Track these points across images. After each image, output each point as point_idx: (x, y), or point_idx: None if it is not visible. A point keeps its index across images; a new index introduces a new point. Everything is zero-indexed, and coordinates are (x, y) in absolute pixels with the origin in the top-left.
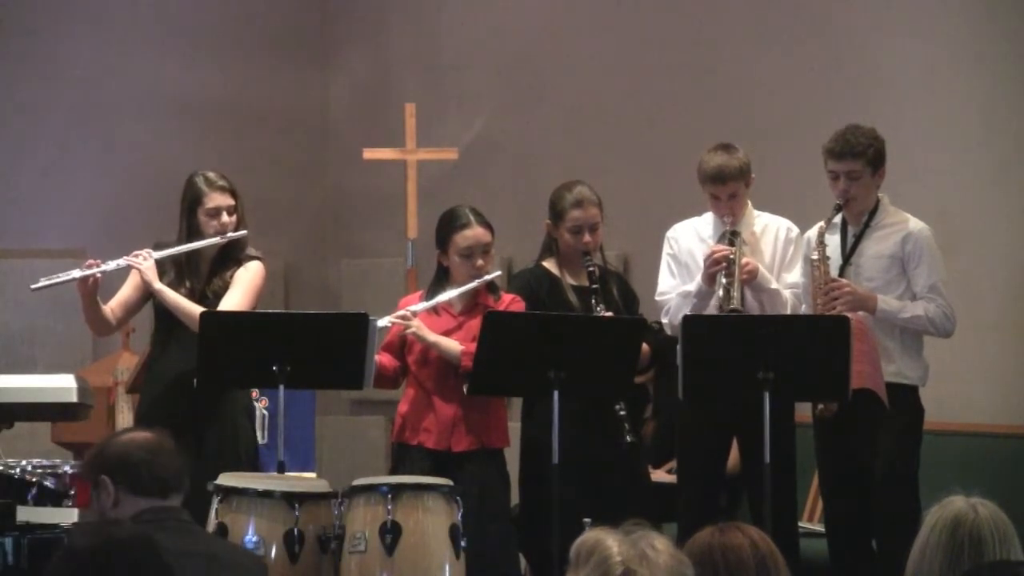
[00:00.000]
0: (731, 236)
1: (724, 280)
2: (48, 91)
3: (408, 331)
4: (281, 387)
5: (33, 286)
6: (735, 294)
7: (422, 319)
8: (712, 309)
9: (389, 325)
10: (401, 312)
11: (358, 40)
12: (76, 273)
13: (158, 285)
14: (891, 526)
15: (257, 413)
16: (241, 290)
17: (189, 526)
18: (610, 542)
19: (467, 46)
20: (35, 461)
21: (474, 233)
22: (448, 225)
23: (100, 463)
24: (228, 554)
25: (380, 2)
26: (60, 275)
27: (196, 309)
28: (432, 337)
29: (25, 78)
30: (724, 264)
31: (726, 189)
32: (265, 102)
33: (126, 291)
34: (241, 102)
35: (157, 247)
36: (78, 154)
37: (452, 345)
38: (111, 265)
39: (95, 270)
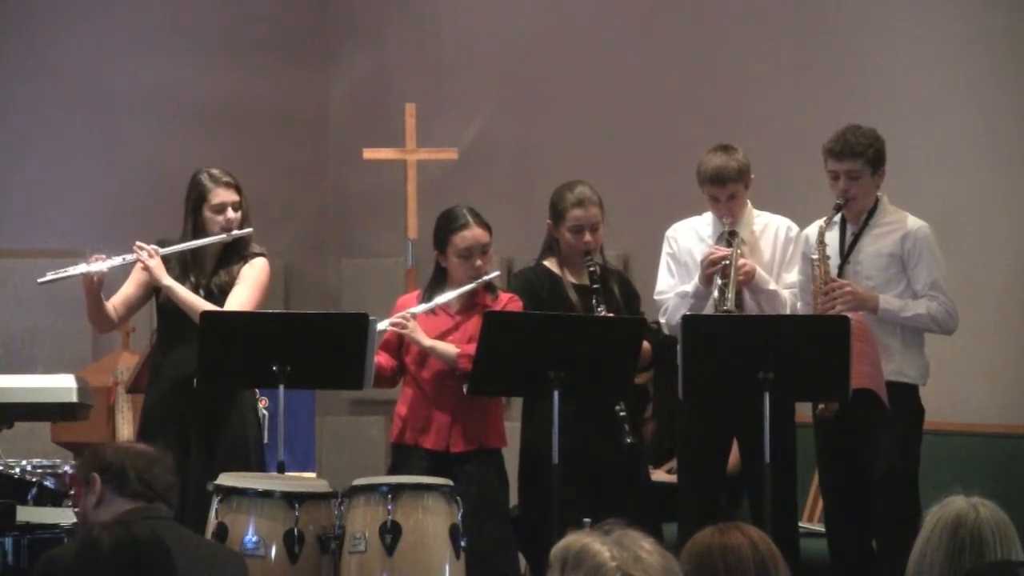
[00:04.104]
0: (730, 236)
1: (720, 281)
2: (48, 91)
3: (403, 331)
4: (281, 387)
5: (40, 279)
6: (730, 295)
7: (419, 320)
8: (709, 310)
9: (386, 329)
10: (399, 315)
11: (358, 40)
12: (83, 268)
13: (167, 281)
14: (891, 526)
15: (258, 413)
16: (248, 287)
17: (168, 523)
18: (598, 546)
19: (467, 46)
20: (35, 461)
21: (472, 234)
22: (446, 226)
23: (93, 462)
24: (210, 551)
25: (380, 2)
26: (67, 269)
27: (206, 306)
28: (427, 341)
29: (25, 78)
30: (721, 265)
31: (725, 190)
32: (265, 102)
33: (129, 288)
34: (241, 102)
35: (161, 244)
36: (78, 154)
37: (448, 349)
38: (117, 261)
39: (101, 264)
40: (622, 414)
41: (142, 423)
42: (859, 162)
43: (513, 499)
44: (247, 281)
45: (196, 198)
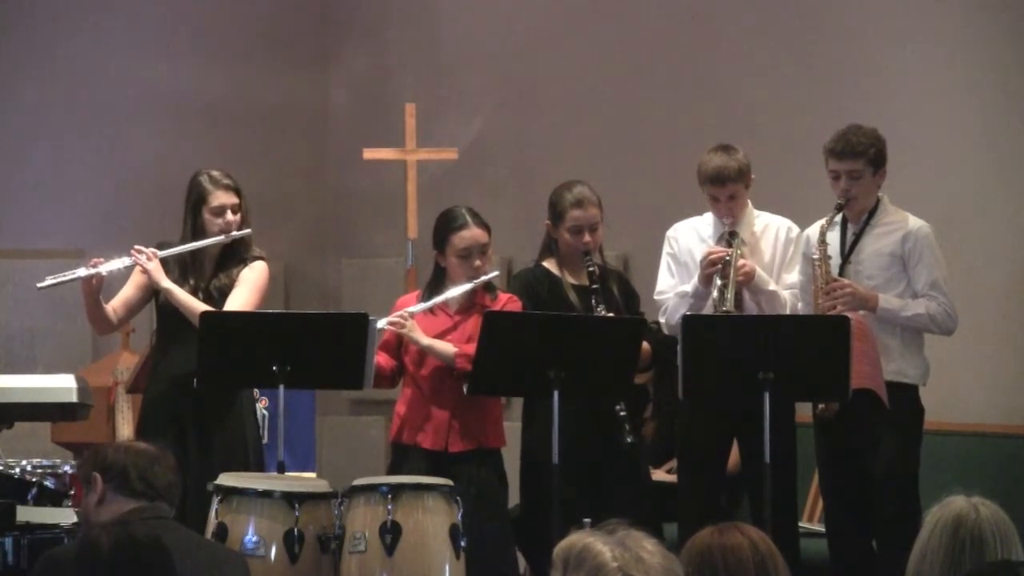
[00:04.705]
0: (730, 237)
1: (719, 281)
2: (48, 91)
3: (402, 331)
4: (281, 387)
5: (39, 284)
6: (729, 296)
7: (418, 320)
8: (708, 310)
9: (385, 328)
10: (397, 315)
11: (358, 40)
12: (81, 272)
13: (166, 284)
14: (891, 526)
15: (257, 413)
16: (248, 289)
17: (169, 524)
18: (600, 546)
19: (467, 46)
20: (35, 461)
21: (471, 234)
22: (445, 226)
23: (94, 461)
24: (210, 551)
25: (380, 2)
26: (65, 274)
27: (205, 308)
28: (425, 340)
29: (25, 78)
30: (719, 265)
31: (725, 190)
32: (265, 102)
33: (128, 290)
34: (241, 102)
35: (160, 247)
36: (78, 154)
37: (446, 348)
38: (116, 264)
39: (100, 268)
40: (622, 414)
41: (140, 423)
42: (860, 162)
43: (513, 499)
44: (246, 284)
45: (196, 200)
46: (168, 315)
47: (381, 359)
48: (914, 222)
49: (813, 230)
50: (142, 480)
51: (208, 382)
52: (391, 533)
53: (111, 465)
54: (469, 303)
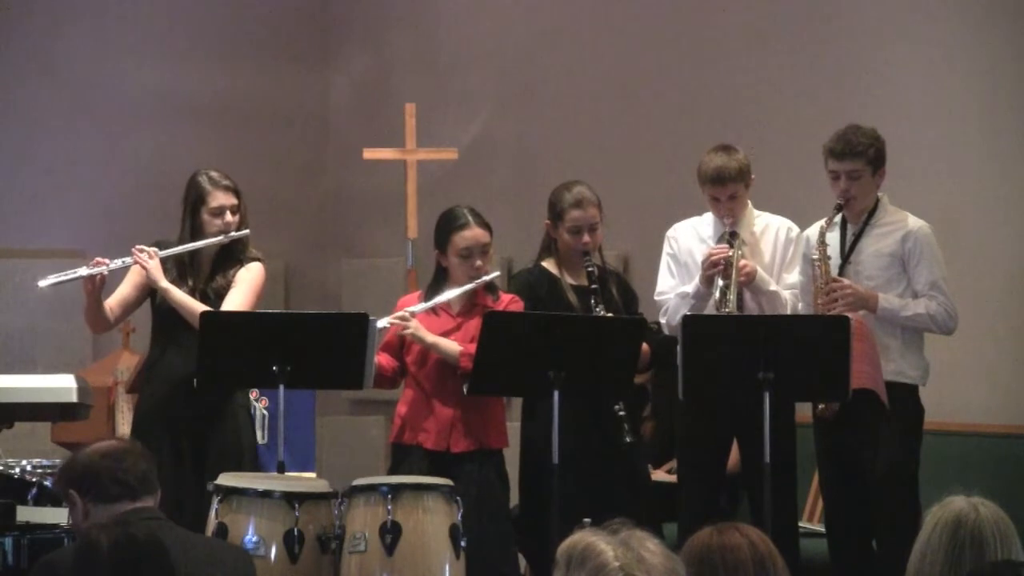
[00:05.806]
0: (730, 237)
1: (721, 282)
2: (48, 91)
3: (406, 332)
4: (281, 387)
5: (41, 283)
6: (731, 296)
7: (420, 320)
8: (709, 310)
9: (388, 326)
10: (400, 313)
11: (358, 40)
12: (83, 271)
13: (164, 284)
14: (891, 526)
15: (257, 413)
16: (244, 290)
17: (164, 523)
18: (603, 546)
19: (467, 46)
20: (35, 461)
21: (473, 234)
22: (447, 226)
23: (67, 478)
24: (209, 549)
25: (380, 2)
26: (67, 273)
27: (201, 308)
28: (430, 338)
29: (25, 78)
30: (721, 266)
31: (725, 190)
32: (266, 102)
33: (125, 289)
34: (241, 102)
35: (158, 245)
36: (78, 154)
37: (451, 346)
38: (117, 263)
39: (102, 268)
40: (621, 414)
41: (135, 425)
42: (860, 162)
43: (513, 499)
44: (242, 284)
45: (194, 200)
46: (165, 315)
47: (383, 359)
48: (914, 222)
49: (813, 230)
50: (115, 482)
51: (208, 382)
52: (391, 533)
53: (83, 478)
54: (471, 304)
